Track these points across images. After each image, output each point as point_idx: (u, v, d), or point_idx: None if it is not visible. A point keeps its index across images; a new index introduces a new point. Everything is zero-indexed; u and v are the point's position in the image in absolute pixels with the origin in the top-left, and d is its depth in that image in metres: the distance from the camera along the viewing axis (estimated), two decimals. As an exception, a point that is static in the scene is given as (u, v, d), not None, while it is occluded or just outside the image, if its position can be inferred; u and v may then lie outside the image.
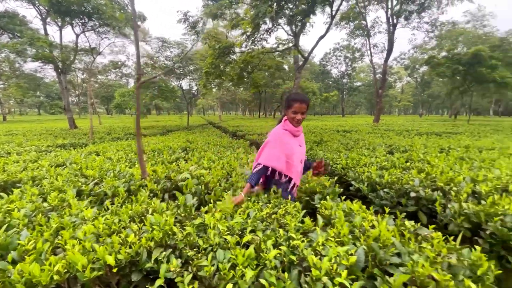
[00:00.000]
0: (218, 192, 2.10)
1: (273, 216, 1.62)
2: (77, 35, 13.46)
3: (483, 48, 17.66)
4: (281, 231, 1.31)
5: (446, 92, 22.74)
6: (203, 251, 1.24)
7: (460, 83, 19.32)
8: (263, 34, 6.20)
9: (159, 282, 1.04)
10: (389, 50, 16.83)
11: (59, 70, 12.76)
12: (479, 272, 1.15)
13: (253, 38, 6.32)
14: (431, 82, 43.05)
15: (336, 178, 2.69)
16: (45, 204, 1.87)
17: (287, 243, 1.25)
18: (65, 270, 1.10)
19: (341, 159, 3.77)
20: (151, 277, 1.24)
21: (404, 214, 1.75)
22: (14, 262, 1.17)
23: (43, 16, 12.55)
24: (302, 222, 1.51)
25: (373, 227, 1.47)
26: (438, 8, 14.26)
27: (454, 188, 2.33)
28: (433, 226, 1.52)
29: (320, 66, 51.14)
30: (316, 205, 1.97)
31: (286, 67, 40.69)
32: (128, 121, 26.88)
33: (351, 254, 1.15)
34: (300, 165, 1.95)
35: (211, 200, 2.01)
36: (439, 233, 1.38)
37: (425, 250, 1.22)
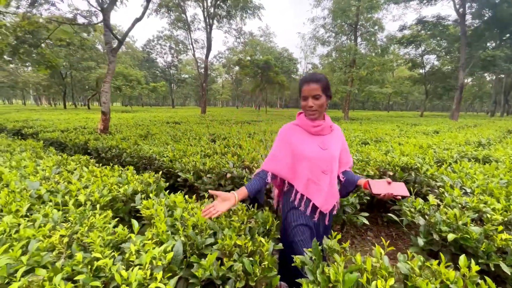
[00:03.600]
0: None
1: (74, 236, 1.26)
2: None
3: (270, 58, 24.08)
4: (79, 255, 1.02)
5: (251, 89, 29.09)
6: None
7: (259, 82, 25.37)
8: (49, -4, 4.57)
9: None
10: (208, 48, 18.62)
11: None
12: (267, 226, 1.53)
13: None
14: (242, 80, 53.08)
15: (160, 172, 2.57)
16: None
17: (89, 267, 1.00)
18: None
19: (168, 151, 3.71)
20: None
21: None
22: None
23: None
24: (114, 233, 1.28)
25: (193, 215, 1.53)
26: (241, 19, 17.56)
27: (256, 165, 2.98)
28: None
29: (143, 53, 47.44)
30: (137, 207, 1.77)
31: (100, 47, 33.93)
32: None
33: (169, 251, 1.12)
34: (323, 177, 1.39)
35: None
36: (243, 205, 1.69)
37: (233, 223, 1.43)
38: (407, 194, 1.27)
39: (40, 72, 6.84)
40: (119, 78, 29.25)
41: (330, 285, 1.02)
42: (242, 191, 1.31)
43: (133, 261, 1.04)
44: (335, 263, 1.08)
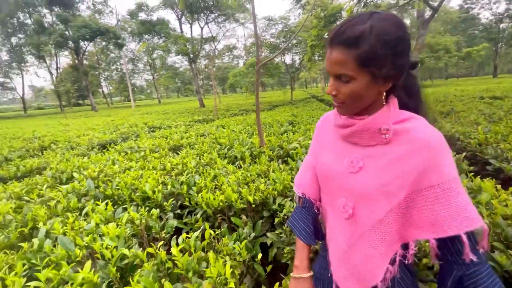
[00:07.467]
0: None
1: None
2: (202, 28, 16.11)
3: None
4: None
5: None
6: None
7: None
8: (377, -8, 5.41)
9: (278, 219, 1.45)
10: None
11: (191, 60, 15.88)
12: None
13: (365, 0, 5.63)
14: None
15: (463, 154, 2.32)
16: (202, 161, 2.71)
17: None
18: (225, 201, 1.69)
19: (478, 133, 3.10)
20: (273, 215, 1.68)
21: None
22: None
23: (179, 17, 15.68)
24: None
25: (506, 206, 1.32)
26: None
27: None
28: None
29: (461, 11, 38.73)
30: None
31: (408, 21, 33.32)
32: (240, 98, 30.32)
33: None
34: (342, 224, 0.64)
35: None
36: None
37: None
38: None
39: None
40: (423, 50, 27.15)
41: None
42: (301, 255, 0.77)
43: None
44: None
